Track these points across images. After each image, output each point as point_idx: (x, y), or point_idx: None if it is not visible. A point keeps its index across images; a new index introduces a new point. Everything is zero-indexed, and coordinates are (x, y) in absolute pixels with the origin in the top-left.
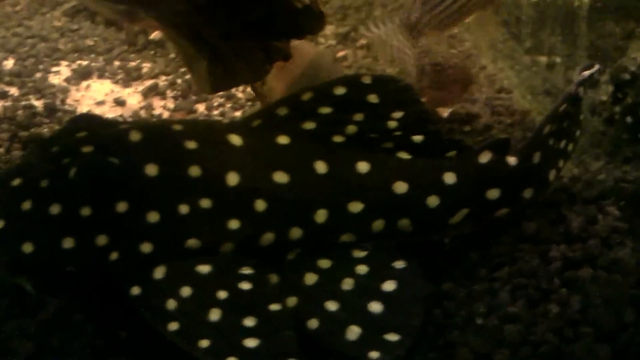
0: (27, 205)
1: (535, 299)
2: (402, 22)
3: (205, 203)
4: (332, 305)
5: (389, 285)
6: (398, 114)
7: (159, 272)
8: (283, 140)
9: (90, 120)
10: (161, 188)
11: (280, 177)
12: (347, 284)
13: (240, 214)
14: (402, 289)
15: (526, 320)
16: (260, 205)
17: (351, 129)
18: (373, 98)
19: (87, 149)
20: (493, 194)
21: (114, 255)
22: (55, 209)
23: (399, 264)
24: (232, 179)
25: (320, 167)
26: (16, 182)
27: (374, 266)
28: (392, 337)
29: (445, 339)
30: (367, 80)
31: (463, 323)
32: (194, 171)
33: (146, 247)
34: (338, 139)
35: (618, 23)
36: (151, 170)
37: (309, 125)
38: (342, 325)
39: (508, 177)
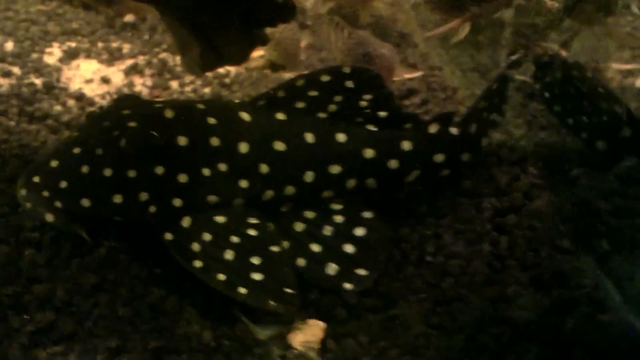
0: (85, 169)
1: (472, 240)
2: None
3: (223, 167)
4: (315, 247)
5: (359, 231)
6: (368, 96)
7: (186, 222)
8: (281, 116)
9: (130, 100)
10: (189, 155)
11: (279, 146)
12: (327, 230)
13: (249, 175)
14: (370, 234)
15: (465, 256)
16: (264, 168)
17: (332, 107)
18: (350, 84)
19: (132, 123)
20: (439, 157)
21: (152, 209)
22: (107, 172)
23: (367, 214)
24: (243, 147)
25: (309, 137)
26: (76, 150)
27: (347, 216)
28: (362, 271)
29: (403, 273)
30: (346, 70)
31: (416, 260)
32: (214, 141)
33: (177, 202)
34: (322, 115)
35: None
36: (182, 141)
37: (301, 104)
38: (323, 263)
39: (451, 144)
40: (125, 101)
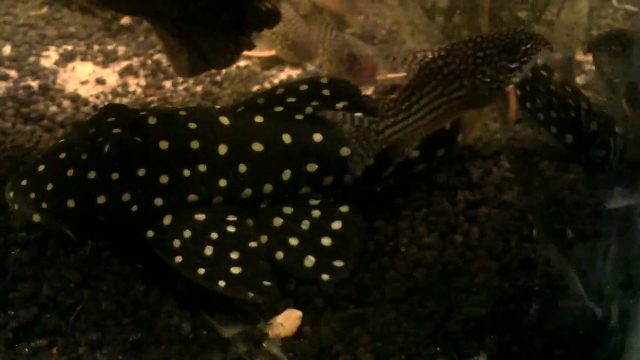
0: (70, 172)
1: (445, 232)
2: None
3: (202, 168)
4: (293, 241)
5: (336, 225)
6: (343, 103)
7: (167, 220)
8: (259, 119)
9: (116, 109)
10: (170, 158)
11: (257, 147)
12: (305, 224)
13: (227, 175)
14: (346, 227)
15: (438, 247)
16: (242, 168)
17: (308, 110)
18: (326, 92)
19: (116, 130)
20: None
21: (134, 208)
22: (92, 175)
23: (344, 208)
24: (222, 149)
25: (286, 138)
26: (62, 155)
27: (324, 210)
28: (339, 263)
29: (378, 263)
30: (323, 80)
31: (391, 251)
32: (194, 144)
33: (158, 202)
34: (299, 117)
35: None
36: (163, 145)
37: (278, 108)
38: (301, 256)
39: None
40: (111, 110)
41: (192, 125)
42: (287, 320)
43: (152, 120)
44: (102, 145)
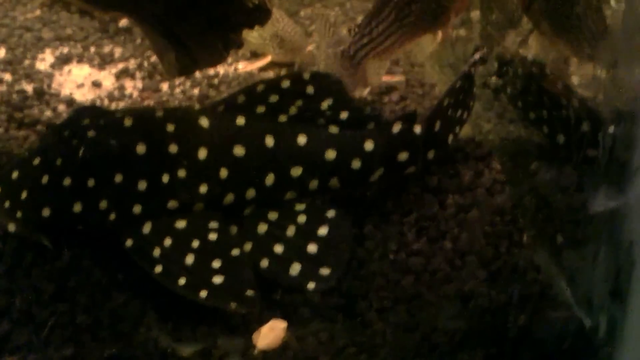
0: (45, 179)
1: (434, 237)
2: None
3: (182, 173)
4: (278, 248)
5: (322, 230)
6: (328, 101)
7: (147, 228)
8: (240, 121)
9: (90, 110)
10: (148, 162)
11: (239, 150)
12: (290, 230)
13: (208, 180)
14: (333, 233)
15: (427, 253)
16: (223, 173)
17: (292, 110)
18: (310, 89)
19: (91, 133)
20: (403, 156)
21: (112, 216)
22: (67, 181)
23: (330, 213)
24: (202, 153)
25: (269, 141)
26: (36, 161)
27: (310, 216)
28: (325, 271)
29: (366, 270)
30: (306, 76)
31: (379, 258)
32: (173, 148)
33: (137, 209)
34: (282, 118)
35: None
36: (140, 148)
37: (261, 109)
38: (286, 264)
39: (415, 142)
40: (85, 112)
41: (170, 127)
42: (272, 331)
43: (127, 122)
44: (76, 149)
